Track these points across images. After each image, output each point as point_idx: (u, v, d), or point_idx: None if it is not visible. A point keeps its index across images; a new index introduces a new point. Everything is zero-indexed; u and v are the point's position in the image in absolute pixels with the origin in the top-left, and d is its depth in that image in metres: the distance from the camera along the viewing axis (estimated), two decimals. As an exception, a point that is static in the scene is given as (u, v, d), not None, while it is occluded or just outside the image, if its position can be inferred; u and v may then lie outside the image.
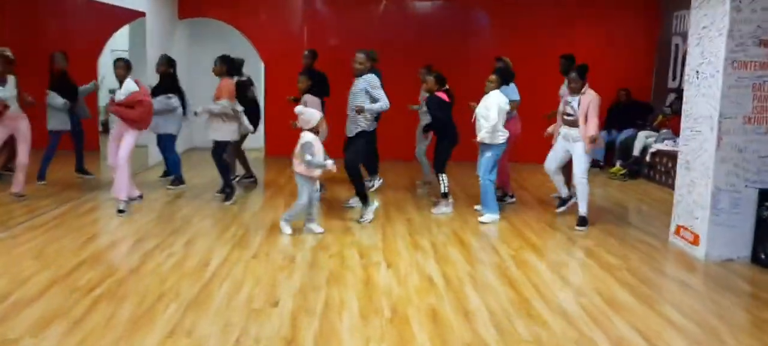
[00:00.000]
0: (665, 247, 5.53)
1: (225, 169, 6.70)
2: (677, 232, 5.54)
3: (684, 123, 5.52)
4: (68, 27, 9.03)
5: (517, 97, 6.71)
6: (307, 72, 7.22)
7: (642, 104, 9.74)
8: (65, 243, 4.98)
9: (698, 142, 5.26)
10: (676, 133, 8.68)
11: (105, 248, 4.97)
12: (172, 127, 7.17)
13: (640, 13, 9.95)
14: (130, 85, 5.99)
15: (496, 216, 6.14)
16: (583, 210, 6.00)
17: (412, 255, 5.02)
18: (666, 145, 8.58)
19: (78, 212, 5.99)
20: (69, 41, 8.70)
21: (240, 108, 6.64)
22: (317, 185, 5.68)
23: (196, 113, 6.86)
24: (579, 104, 5.91)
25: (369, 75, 6.02)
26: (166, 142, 7.25)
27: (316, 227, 5.54)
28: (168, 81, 7.21)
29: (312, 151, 5.28)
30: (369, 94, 5.95)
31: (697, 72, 5.29)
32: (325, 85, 7.61)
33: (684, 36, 9.11)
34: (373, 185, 7.56)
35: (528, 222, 6.21)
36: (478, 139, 6.02)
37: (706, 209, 5.11)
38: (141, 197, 6.50)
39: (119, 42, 9.70)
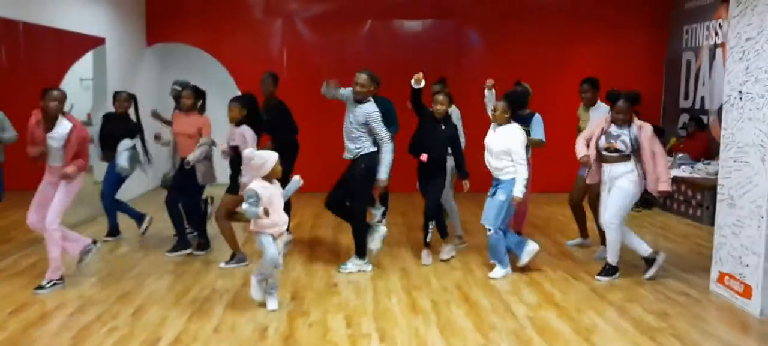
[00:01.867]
0: (708, 298, 4.68)
1: (198, 214, 5.72)
2: (720, 279, 4.70)
3: (724, 152, 4.70)
4: (22, 56, 8.15)
5: (541, 136, 5.56)
6: (268, 101, 6.10)
7: (653, 127, 8.94)
8: (-17, 318, 4.04)
9: (745, 175, 4.43)
10: (693, 157, 7.93)
11: (30, 324, 4.01)
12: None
13: (645, 27, 9.19)
14: (64, 125, 4.66)
15: (508, 271, 5.17)
16: (614, 259, 5.08)
17: (410, 321, 4.12)
18: (683, 171, 7.79)
19: (7, 273, 5.03)
20: (24, 71, 7.85)
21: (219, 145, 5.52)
22: (283, 239, 4.38)
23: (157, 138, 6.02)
24: (632, 138, 4.92)
25: (370, 105, 5.08)
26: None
27: (272, 303, 4.31)
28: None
29: (255, 202, 4.12)
30: (369, 127, 5.07)
31: (741, 92, 4.49)
32: (284, 118, 6.15)
33: (696, 51, 8.39)
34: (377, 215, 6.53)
35: (543, 269, 5.33)
36: (515, 193, 4.96)
37: (759, 255, 4.26)
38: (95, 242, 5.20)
39: (84, 70, 8.85)
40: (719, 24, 7.85)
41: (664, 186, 4.90)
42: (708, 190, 6.95)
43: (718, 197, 4.77)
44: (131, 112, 6.12)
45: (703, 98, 8.23)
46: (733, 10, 4.59)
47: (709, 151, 7.78)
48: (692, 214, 7.38)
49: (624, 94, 5.01)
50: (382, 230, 5.34)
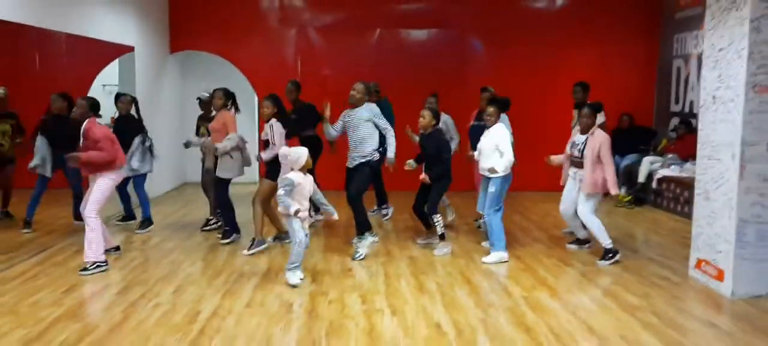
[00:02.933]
0: (686, 282, 5.19)
1: (227, 207, 6.29)
2: (698, 265, 5.21)
3: (700, 150, 5.22)
4: (55, 63, 8.71)
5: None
6: (294, 104, 7.11)
7: (645, 129, 9.46)
8: (42, 296, 4.59)
9: (718, 171, 4.95)
10: (682, 157, 8.43)
11: (85, 301, 4.57)
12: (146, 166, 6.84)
13: (639, 37, 9.73)
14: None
15: (504, 254, 5.72)
16: (606, 243, 5.65)
17: (418, 300, 4.65)
18: (672, 171, 8.30)
19: (58, 259, 5.60)
20: (55, 78, 8.40)
21: (247, 140, 6.32)
22: (307, 223, 5.02)
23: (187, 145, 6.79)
24: (586, 146, 5.59)
25: (370, 104, 5.97)
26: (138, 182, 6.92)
27: (293, 277, 4.93)
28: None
29: (290, 191, 4.76)
30: (374, 123, 5.92)
31: (714, 97, 5.01)
32: (311, 117, 7.13)
33: (685, 58, 8.90)
34: (387, 214, 7.53)
35: (538, 257, 5.86)
36: (489, 172, 5.66)
37: (730, 242, 4.78)
38: (118, 248, 5.88)
39: (109, 77, 9.42)
40: (701, 35, 8.35)
41: (613, 189, 5.52)
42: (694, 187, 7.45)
43: (696, 191, 5.29)
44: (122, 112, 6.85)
45: (691, 102, 8.74)
46: (707, 24, 5.12)
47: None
48: (680, 210, 7.88)
49: (590, 104, 5.77)
50: (374, 238, 6.00)
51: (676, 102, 9.19)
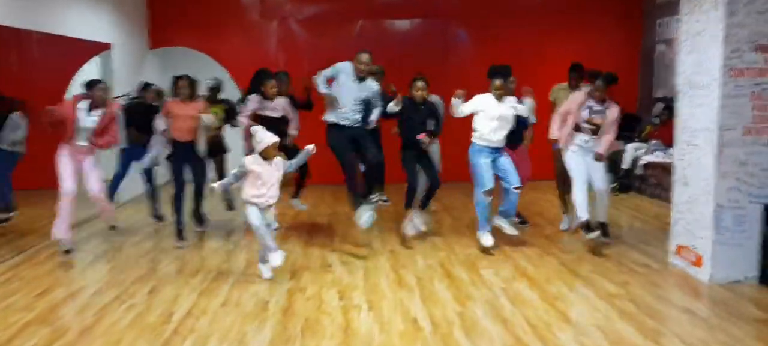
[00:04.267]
0: (666, 269, 5.18)
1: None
2: (678, 252, 5.20)
3: (678, 136, 5.20)
4: (33, 62, 8.61)
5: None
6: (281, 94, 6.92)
7: (629, 115, 9.39)
8: (14, 300, 4.52)
9: (695, 156, 4.93)
10: (666, 143, 8.41)
11: (58, 304, 4.50)
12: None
13: (621, 21, 9.69)
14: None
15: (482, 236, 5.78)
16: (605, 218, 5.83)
17: (396, 294, 4.62)
18: (656, 157, 8.29)
19: (35, 261, 5.54)
20: (34, 77, 8.29)
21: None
22: (268, 216, 5.07)
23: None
24: (606, 113, 5.60)
25: (374, 84, 6.03)
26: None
27: (265, 270, 4.98)
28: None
29: (238, 175, 4.77)
30: (370, 101, 5.96)
31: (691, 82, 4.98)
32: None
33: (668, 43, 8.87)
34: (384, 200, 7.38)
35: (519, 247, 5.83)
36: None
37: (708, 228, 4.77)
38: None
39: (89, 74, 9.31)
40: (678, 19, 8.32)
41: (601, 150, 5.61)
42: (677, 173, 7.45)
43: (674, 177, 5.27)
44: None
45: (674, 87, 8.70)
46: (683, 8, 5.08)
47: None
48: (664, 196, 7.86)
49: (604, 74, 5.62)
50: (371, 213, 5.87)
51: (660, 87, 9.17)
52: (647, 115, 9.28)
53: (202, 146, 6.09)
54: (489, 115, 5.59)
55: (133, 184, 7.45)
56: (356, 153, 5.93)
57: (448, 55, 9.68)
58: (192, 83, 6.07)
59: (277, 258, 4.85)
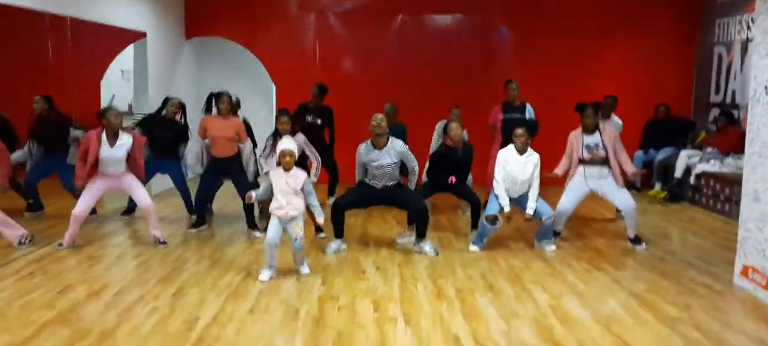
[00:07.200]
0: (730, 291, 4.73)
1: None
2: (744, 273, 4.75)
3: (749, 147, 4.74)
4: (68, 50, 8.52)
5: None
6: (317, 108, 7.18)
7: (682, 121, 8.90)
8: (35, 297, 4.33)
9: (769, 170, 4.47)
10: (722, 151, 7.89)
11: (79, 303, 4.28)
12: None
13: (677, 21, 9.15)
14: (125, 138, 5.57)
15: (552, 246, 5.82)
16: (634, 232, 5.92)
17: (435, 307, 4.28)
18: (712, 166, 7.77)
19: (60, 254, 5.36)
20: (69, 65, 8.20)
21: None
22: (297, 228, 4.78)
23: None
24: (602, 143, 5.65)
25: (396, 141, 5.56)
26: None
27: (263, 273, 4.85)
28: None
29: (269, 182, 4.83)
30: (402, 160, 5.62)
31: (766, 87, 4.52)
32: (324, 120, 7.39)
33: (728, 45, 8.32)
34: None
35: (566, 260, 5.44)
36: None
37: (782, 249, 4.32)
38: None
39: (124, 63, 9.23)
40: (752, 18, 7.78)
41: (630, 168, 5.76)
42: (736, 184, 6.92)
43: (743, 191, 4.81)
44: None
45: (734, 93, 8.18)
46: (759, 7, 4.62)
47: (740, 145, 7.72)
48: (720, 208, 7.37)
49: (590, 104, 5.75)
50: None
51: (717, 92, 8.62)
52: (703, 121, 8.73)
53: (250, 167, 6.22)
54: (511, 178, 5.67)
55: (163, 179, 7.26)
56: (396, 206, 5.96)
57: (490, 54, 9.28)
58: (231, 100, 6.02)
59: (265, 274, 4.83)
